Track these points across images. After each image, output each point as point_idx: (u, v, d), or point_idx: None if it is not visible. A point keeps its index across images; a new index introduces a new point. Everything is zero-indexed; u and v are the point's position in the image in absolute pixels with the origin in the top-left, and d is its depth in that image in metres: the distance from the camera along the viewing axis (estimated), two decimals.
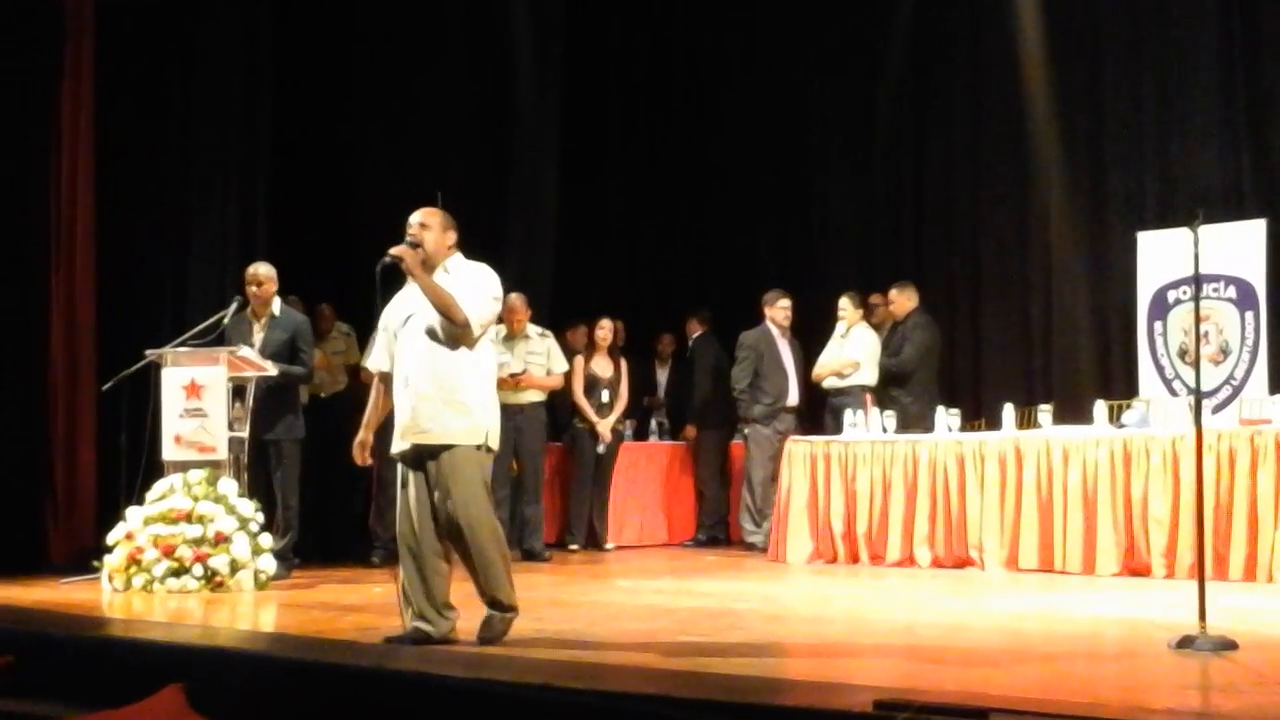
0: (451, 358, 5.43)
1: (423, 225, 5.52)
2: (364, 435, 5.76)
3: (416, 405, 5.40)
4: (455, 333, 5.40)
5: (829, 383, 10.43)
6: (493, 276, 5.61)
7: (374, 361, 5.75)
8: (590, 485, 10.62)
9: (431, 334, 5.43)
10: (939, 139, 12.00)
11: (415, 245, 5.47)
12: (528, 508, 9.88)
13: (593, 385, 10.52)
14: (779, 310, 10.61)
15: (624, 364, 10.77)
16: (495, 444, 5.51)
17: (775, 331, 10.60)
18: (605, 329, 10.65)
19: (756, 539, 10.32)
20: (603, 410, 10.54)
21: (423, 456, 5.42)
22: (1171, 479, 7.95)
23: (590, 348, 10.66)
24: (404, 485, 5.51)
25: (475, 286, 5.50)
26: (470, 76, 11.69)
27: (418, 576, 5.42)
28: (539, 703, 4.14)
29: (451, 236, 5.60)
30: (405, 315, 5.53)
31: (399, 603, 5.46)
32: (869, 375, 10.27)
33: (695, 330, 11.73)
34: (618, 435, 10.76)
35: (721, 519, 11.40)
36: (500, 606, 5.42)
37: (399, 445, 5.48)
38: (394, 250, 5.44)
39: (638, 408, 11.69)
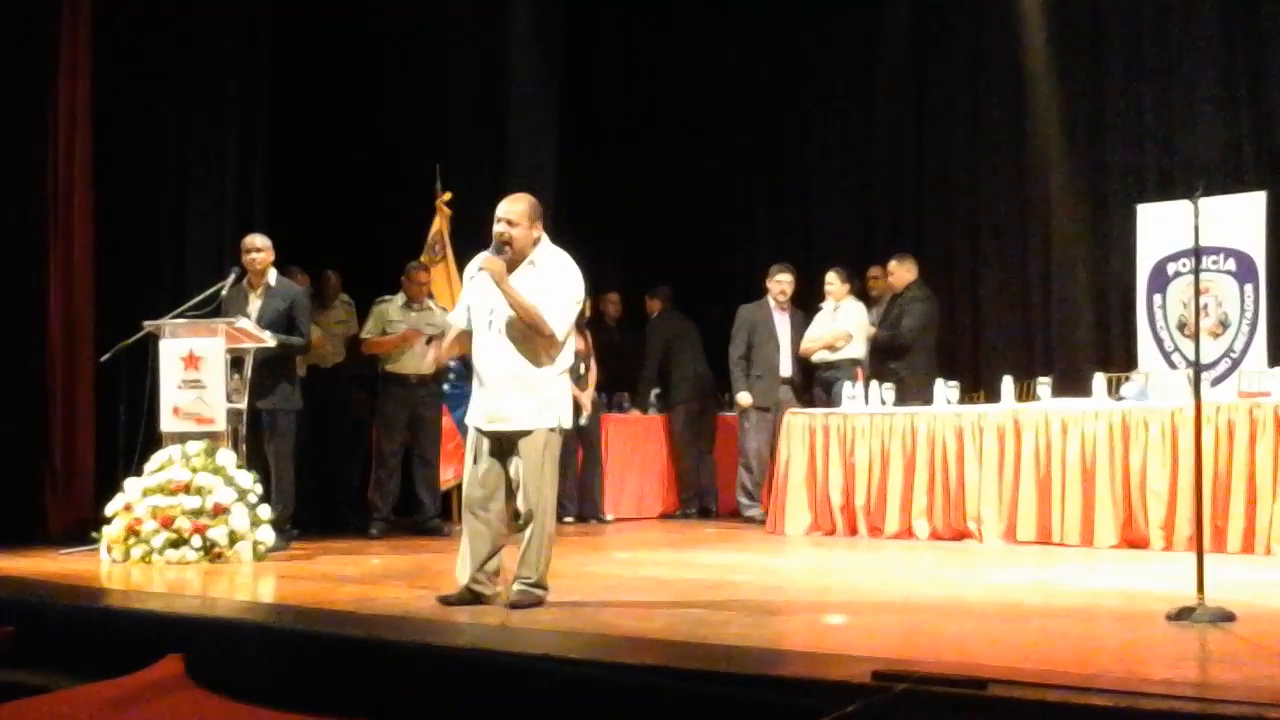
0: (525, 344, 5.57)
1: (510, 223, 5.61)
2: (435, 354, 6.02)
3: (495, 396, 5.60)
4: (541, 341, 5.57)
5: (819, 356, 10.45)
6: (576, 277, 5.71)
7: (453, 318, 5.92)
8: (574, 456, 10.63)
9: (509, 330, 5.56)
10: (938, 111, 11.96)
11: (505, 244, 5.58)
12: None
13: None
14: (773, 284, 10.68)
15: (589, 337, 10.78)
16: (567, 422, 5.68)
17: (773, 304, 10.64)
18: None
19: (753, 513, 10.36)
20: (580, 382, 10.55)
21: (501, 440, 5.62)
22: (1170, 451, 7.95)
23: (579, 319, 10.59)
24: (475, 459, 5.68)
25: (559, 290, 5.61)
26: (470, 44, 11.64)
27: (481, 543, 5.62)
28: (539, 673, 4.15)
29: (538, 228, 5.70)
30: (487, 308, 5.63)
31: (458, 563, 5.67)
32: (859, 348, 10.29)
33: (655, 309, 11.77)
34: (596, 406, 10.79)
35: (699, 492, 11.45)
36: (536, 584, 5.55)
37: (477, 421, 5.67)
38: (484, 264, 5.56)
39: (636, 380, 11.72)
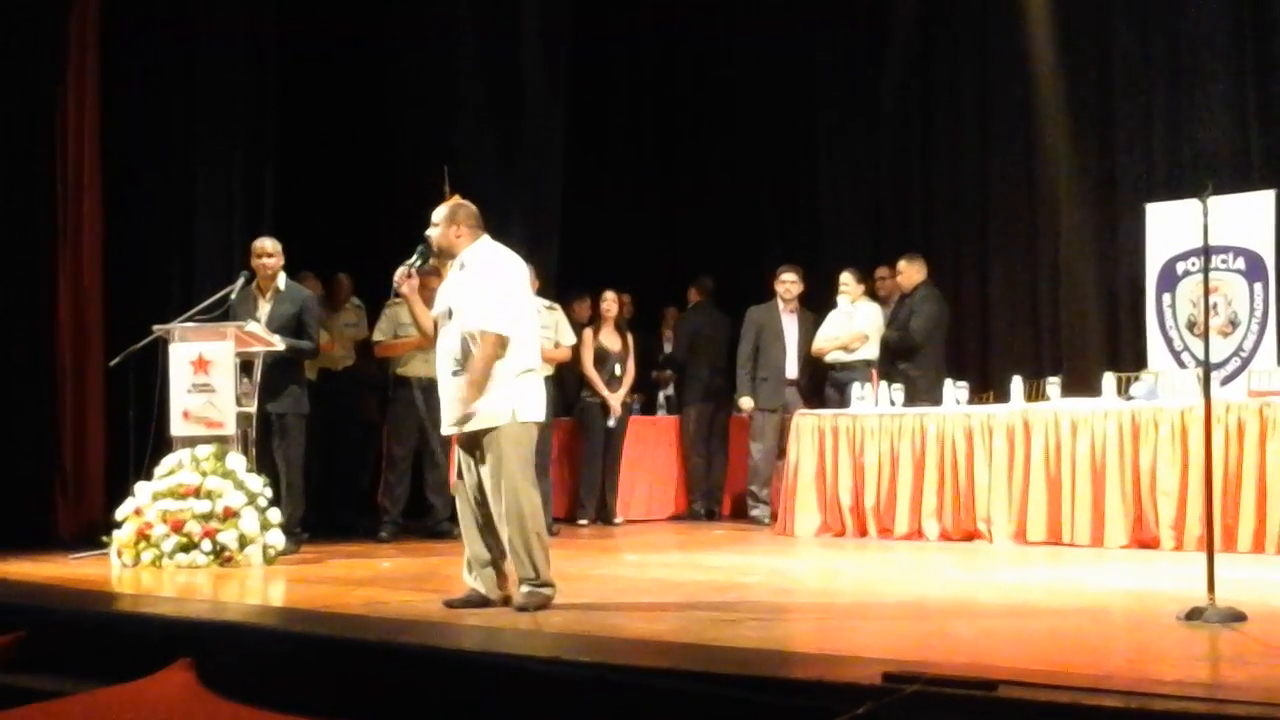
0: (471, 344, 5.57)
1: (432, 224, 5.79)
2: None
3: (448, 398, 5.64)
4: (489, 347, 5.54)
5: (833, 357, 10.44)
6: (502, 270, 5.69)
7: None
8: (600, 459, 10.63)
9: (455, 332, 5.63)
10: (946, 109, 11.94)
11: (426, 249, 5.79)
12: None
13: (602, 358, 10.53)
14: (779, 285, 10.71)
15: (630, 337, 10.78)
16: (533, 415, 5.63)
17: (781, 306, 10.65)
18: (610, 301, 10.68)
19: (757, 513, 10.43)
20: (612, 384, 10.55)
21: (468, 442, 5.64)
22: (1180, 451, 7.94)
23: (597, 320, 10.69)
24: (460, 463, 5.75)
25: (484, 289, 5.59)
26: (477, 46, 11.62)
27: (477, 546, 5.68)
28: (548, 675, 4.15)
29: (458, 229, 5.75)
30: (442, 309, 5.76)
31: (463, 569, 5.73)
32: (874, 349, 10.29)
33: (694, 299, 11.75)
34: (626, 409, 10.78)
35: (706, 492, 11.40)
36: (539, 584, 5.53)
37: (447, 430, 5.72)
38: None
39: (645, 381, 11.70)
